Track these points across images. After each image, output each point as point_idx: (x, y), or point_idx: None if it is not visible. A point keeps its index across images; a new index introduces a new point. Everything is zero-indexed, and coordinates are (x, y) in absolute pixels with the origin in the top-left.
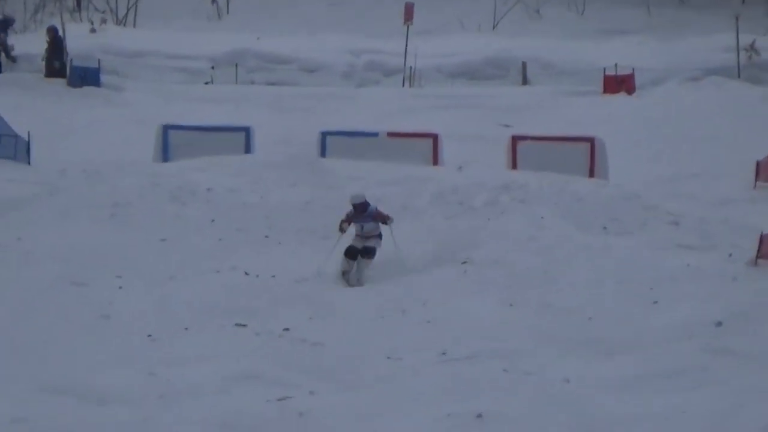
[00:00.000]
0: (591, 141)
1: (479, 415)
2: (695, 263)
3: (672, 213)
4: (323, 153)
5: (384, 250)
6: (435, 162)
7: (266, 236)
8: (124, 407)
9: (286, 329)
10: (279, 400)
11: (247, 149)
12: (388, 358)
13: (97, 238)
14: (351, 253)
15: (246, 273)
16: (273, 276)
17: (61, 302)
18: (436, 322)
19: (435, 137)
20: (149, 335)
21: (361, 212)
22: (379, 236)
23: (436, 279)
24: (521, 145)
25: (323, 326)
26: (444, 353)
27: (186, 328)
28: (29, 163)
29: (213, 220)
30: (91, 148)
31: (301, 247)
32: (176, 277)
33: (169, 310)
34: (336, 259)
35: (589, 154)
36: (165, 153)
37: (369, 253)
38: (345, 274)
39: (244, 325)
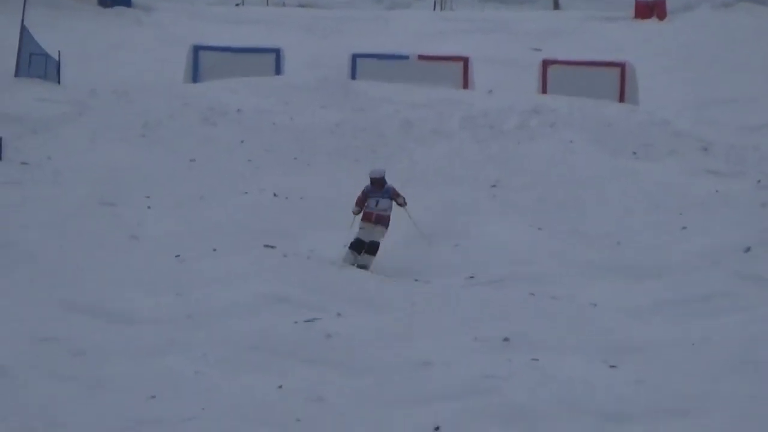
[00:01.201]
0: (622, 66)
1: (506, 339)
2: (724, 189)
3: (702, 139)
4: (354, 75)
5: (404, 230)
6: (465, 85)
7: (295, 158)
8: (152, 327)
9: (314, 251)
10: (306, 321)
11: (278, 71)
12: (416, 280)
13: (126, 158)
14: (356, 246)
15: (275, 194)
16: (302, 198)
17: (90, 222)
18: (464, 245)
19: (465, 60)
20: (177, 256)
21: (379, 188)
22: (387, 223)
23: (464, 202)
24: (552, 70)
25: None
26: (472, 277)
27: (214, 250)
28: (59, 82)
29: (242, 142)
30: (121, 69)
31: (330, 168)
32: (205, 198)
33: (198, 231)
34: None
35: (620, 79)
36: (195, 74)
37: (372, 250)
38: (345, 263)
39: (273, 247)
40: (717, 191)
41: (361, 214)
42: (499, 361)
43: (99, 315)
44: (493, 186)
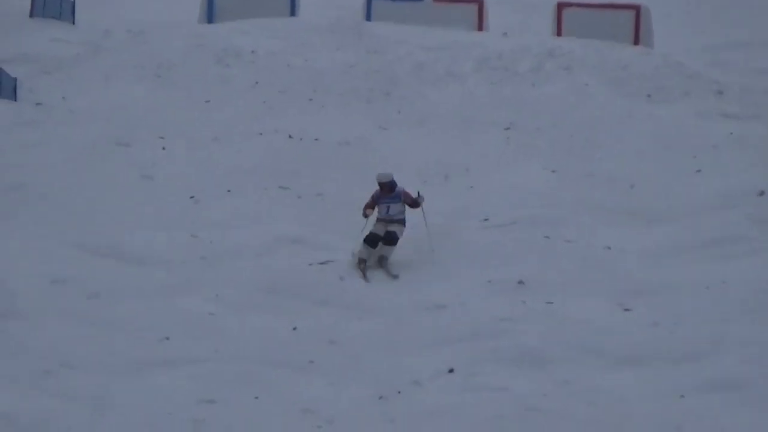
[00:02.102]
0: (637, 8)
1: (520, 282)
2: (738, 132)
3: (716, 82)
4: (368, 17)
5: (417, 230)
6: (480, 28)
7: (310, 99)
8: (166, 269)
9: (327, 192)
10: (321, 263)
11: (292, 12)
12: (431, 223)
13: (140, 98)
14: (371, 241)
15: (289, 136)
16: (316, 139)
17: (104, 163)
18: (479, 188)
19: (480, 2)
20: (192, 197)
21: (388, 191)
22: (403, 222)
23: (478, 144)
24: (567, 12)
25: (367, 190)
26: (486, 220)
27: (228, 191)
28: (74, 23)
29: (257, 83)
30: (136, 9)
31: (344, 110)
32: (219, 139)
33: (212, 172)
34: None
35: (635, 21)
36: (210, 14)
37: (391, 239)
38: (361, 263)
39: (287, 188)
40: (731, 134)
41: (373, 218)
42: (513, 304)
43: (112, 256)
44: (507, 129)
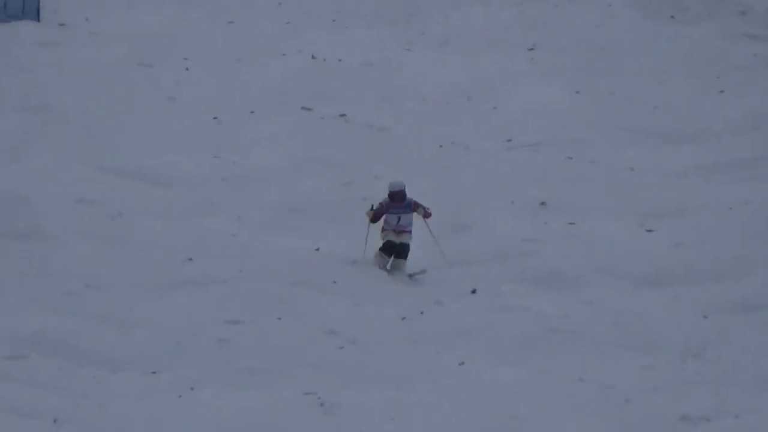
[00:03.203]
0: None
1: (543, 203)
2: (762, 53)
3: (739, 3)
4: None
5: (423, 245)
6: None
7: (333, 20)
8: (189, 189)
9: (350, 113)
10: (344, 184)
11: None
12: (453, 143)
13: (164, 20)
14: (387, 250)
15: (313, 57)
16: (339, 60)
17: (127, 84)
18: (502, 108)
19: None
20: (215, 118)
21: (399, 202)
22: (410, 232)
23: (502, 65)
24: None
25: (389, 111)
26: (509, 140)
27: (252, 112)
28: None
29: (280, 4)
30: None
31: (368, 31)
32: (243, 60)
33: (235, 93)
34: (372, 247)
35: None
36: None
37: (404, 252)
38: (378, 267)
39: (310, 109)
40: (755, 55)
41: (377, 225)
42: (535, 224)
43: (135, 177)
44: (531, 50)
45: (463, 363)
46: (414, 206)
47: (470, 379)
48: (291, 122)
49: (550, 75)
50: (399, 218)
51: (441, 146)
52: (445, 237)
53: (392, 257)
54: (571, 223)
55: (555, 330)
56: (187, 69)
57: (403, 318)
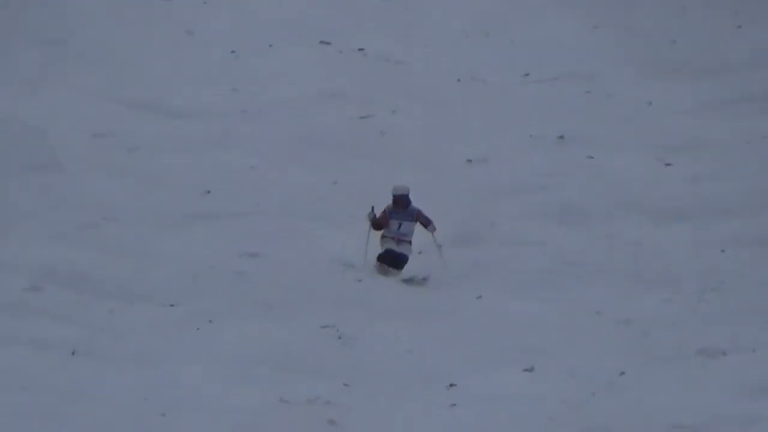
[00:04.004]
0: None
1: (561, 137)
2: None
3: None
4: None
5: (426, 258)
6: None
7: None
8: (207, 122)
9: (368, 48)
10: (362, 118)
11: None
12: (471, 78)
13: None
14: (386, 259)
15: None
16: None
17: (146, 17)
18: (520, 43)
19: None
20: (232, 51)
21: (403, 207)
22: (410, 242)
23: None
24: None
25: (407, 45)
26: (527, 74)
27: (270, 45)
28: None
29: None
30: None
31: None
32: None
33: (254, 27)
34: (372, 248)
35: None
36: None
37: (401, 263)
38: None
39: (328, 43)
40: None
41: (377, 230)
42: (553, 158)
43: (154, 110)
44: None
45: (480, 296)
46: (417, 216)
47: (487, 313)
48: (309, 56)
49: (568, 9)
50: (400, 225)
51: (459, 80)
52: (462, 169)
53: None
54: (589, 157)
55: (572, 264)
56: (204, 2)
57: (420, 252)
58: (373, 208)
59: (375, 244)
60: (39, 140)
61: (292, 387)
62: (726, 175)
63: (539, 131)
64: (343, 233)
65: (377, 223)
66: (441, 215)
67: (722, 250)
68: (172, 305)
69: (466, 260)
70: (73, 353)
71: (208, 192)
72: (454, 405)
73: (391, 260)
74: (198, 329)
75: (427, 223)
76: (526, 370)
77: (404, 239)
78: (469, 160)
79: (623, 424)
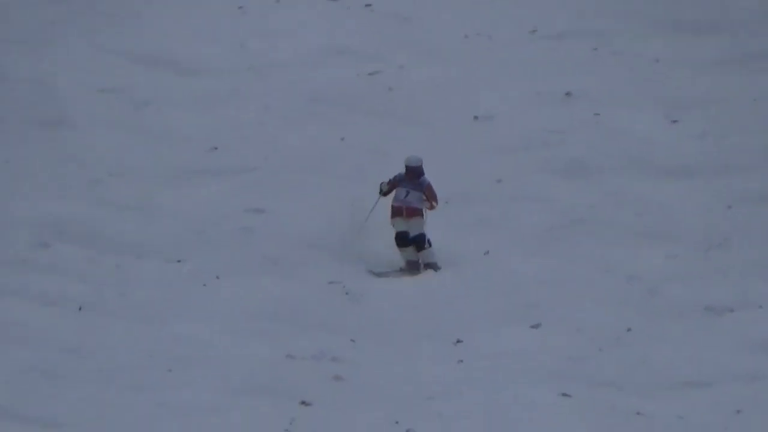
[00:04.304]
0: None
1: (568, 93)
2: None
3: None
4: None
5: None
6: None
7: None
8: (214, 78)
9: (376, 3)
10: (370, 74)
11: None
12: (477, 34)
13: None
14: (402, 242)
15: None
16: None
17: None
18: None
19: None
20: (240, 7)
21: (413, 178)
22: (421, 213)
23: None
24: None
25: (415, 0)
26: (534, 31)
27: (277, 1)
28: None
29: None
30: None
31: None
32: None
33: None
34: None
35: None
36: None
37: (419, 244)
38: (412, 264)
39: None
40: None
41: (384, 195)
42: (560, 115)
43: (161, 66)
44: None
45: (487, 252)
46: (428, 190)
47: (494, 269)
48: (317, 11)
49: None
50: (407, 192)
51: (466, 36)
52: (469, 125)
53: (419, 252)
54: (596, 114)
55: (579, 220)
56: None
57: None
58: (384, 182)
59: (379, 209)
60: (46, 96)
61: (298, 342)
62: (732, 131)
63: (546, 88)
64: (351, 189)
65: (382, 185)
66: (448, 171)
67: (729, 207)
68: (179, 261)
69: (472, 216)
70: (79, 309)
71: (216, 148)
72: (461, 361)
73: (406, 239)
74: (204, 285)
75: (430, 198)
76: (532, 326)
77: (412, 206)
78: (476, 117)
79: (630, 380)
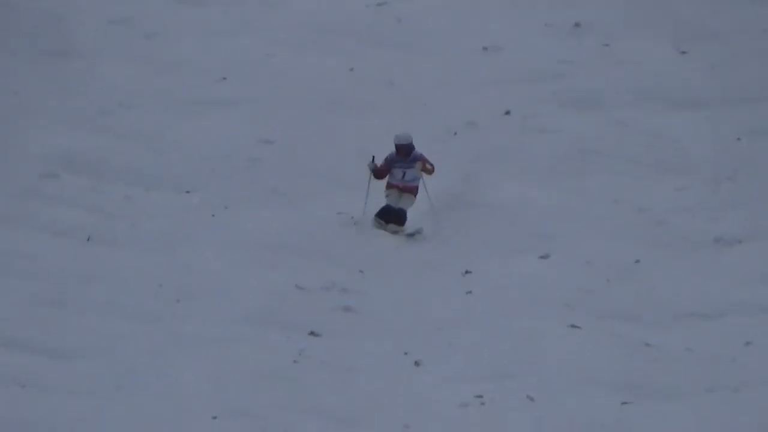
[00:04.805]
0: None
1: (577, 24)
2: None
3: None
4: None
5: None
6: None
7: None
8: (224, 8)
9: None
10: (378, 5)
11: None
12: None
13: None
14: (384, 215)
15: None
16: None
17: None
18: None
19: None
20: None
21: (405, 155)
22: (415, 192)
23: None
24: None
25: None
26: None
27: None
28: None
29: None
30: None
31: None
32: None
33: None
34: (373, 198)
35: None
36: None
37: (400, 219)
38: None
39: None
40: None
41: (379, 179)
42: (569, 46)
43: None
44: None
45: (496, 184)
46: (421, 160)
47: (503, 200)
48: None
49: None
50: (404, 173)
51: None
52: (479, 56)
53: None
54: (605, 45)
55: (588, 151)
56: None
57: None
58: (373, 158)
59: (375, 195)
60: (55, 27)
61: (307, 273)
62: (742, 63)
63: (555, 19)
64: (360, 120)
65: (378, 172)
66: (456, 102)
67: (738, 139)
68: (187, 192)
69: (481, 148)
70: (88, 239)
71: (225, 78)
72: (470, 292)
73: (390, 217)
74: (213, 215)
75: (425, 164)
76: (541, 257)
77: (411, 185)
78: (485, 48)
79: (638, 311)
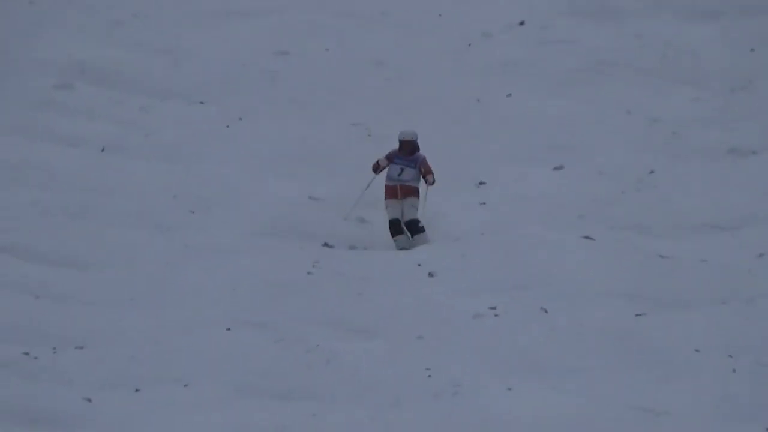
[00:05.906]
0: None
1: None
2: None
3: None
4: None
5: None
6: None
7: None
8: None
9: None
10: None
11: None
12: None
13: None
14: (397, 229)
15: None
16: None
17: None
18: None
19: None
20: None
21: (408, 153)
22: (416, 193)
23: None
24: None
25: None
26: None
27: None
28: None
29: None
30: None
31: None
32: None
33: None
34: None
35: None
36: None
37: (417, 228)
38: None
39: None
40: None
41: (376, 172)
42: None
43: None
44: None
45: (510, 95)
46: (423, 164)
47: (517, 111)
48: None
49: None
50: (402, 170)
51: None
52: None
53: (408, 235)
54: None
55: (603, 62)
56: None
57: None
58: (378, 161)
59: (370, 192)
60: None
61: (322, 185)
62: None
63: None
64: (374, 30)
65: (377, 166)
66: (469, 13)
67: (752, 49)
68: (202, 102)
69: (494, 59)
70: (102, 150)
71: None
72: (484, 203)
73: (400, 228)
74: (228, 126)
75: (427, 172)
76: (556, 168)
77: (408, 185)
78: None
79: (652, 222)
